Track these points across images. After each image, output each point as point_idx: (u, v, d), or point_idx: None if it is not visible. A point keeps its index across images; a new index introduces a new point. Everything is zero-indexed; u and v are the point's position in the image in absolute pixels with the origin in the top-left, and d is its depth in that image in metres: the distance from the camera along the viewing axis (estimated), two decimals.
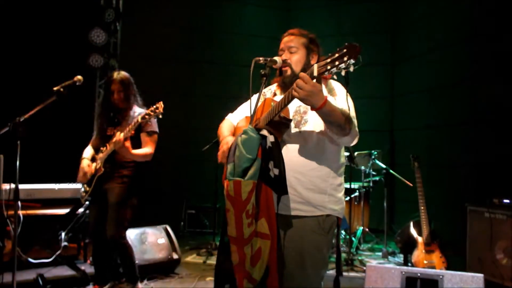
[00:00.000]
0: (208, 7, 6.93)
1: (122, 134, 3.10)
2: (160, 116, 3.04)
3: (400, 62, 6.93)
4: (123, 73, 3.46)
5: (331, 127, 1.94)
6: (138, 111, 3.42)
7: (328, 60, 1.72)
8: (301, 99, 1.80)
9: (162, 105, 3.01)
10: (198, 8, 6.86)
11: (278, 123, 2.00)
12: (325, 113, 1.85)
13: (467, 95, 5.45)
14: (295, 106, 2.06)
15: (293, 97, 1.85)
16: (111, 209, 3.28)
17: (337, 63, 1.69)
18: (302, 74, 1.79)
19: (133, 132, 3.15)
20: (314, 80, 1.78)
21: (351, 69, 1.68)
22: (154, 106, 3.04)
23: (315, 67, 1.78)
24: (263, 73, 2.06)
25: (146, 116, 3.05)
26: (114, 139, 3.13)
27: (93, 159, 3.46)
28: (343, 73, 1.71)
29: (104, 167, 3.29)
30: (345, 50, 1.67)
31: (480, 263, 3.99)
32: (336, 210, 2.11)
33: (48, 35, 5.42)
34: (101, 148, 3.37)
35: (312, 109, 1.83)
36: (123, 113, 3.42)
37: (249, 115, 2.14)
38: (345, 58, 1.67)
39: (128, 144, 3.14)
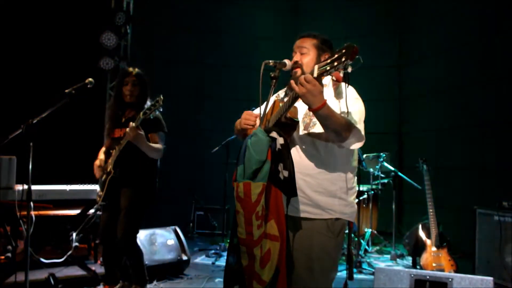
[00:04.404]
0: (218, 10, 6.98)
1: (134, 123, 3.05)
2: (161, 109, 2.98)
3: (408, 64, 6.91)
4: (140, 70, 3.43)
5: (326, 131, 1.95)
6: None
7: (328, 61, 1.74)
8: (300, 96, 1.82)
9: (162, 98, 2.95)
10: (208, 11, 6.90)
11: (285, 124, 2.02)
12: (322, 116, 1.86)
13: (476, 97, 5.43)
14: (305, 108, 2.05)
15: (296, 97, 1.88)
16: (123, 213, 3.25)
17: (335, 64, 1.71)
18: (306, 74, 1.83)
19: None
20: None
21: (349, 70, 1.69)
22: (154, 100, 2.98)
23: (316, 68, 1.80)
24: (272, 75, 2.07)
25: (148, 111, 2.99)
26: (127, 129, 3.05)
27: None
28: (341, 73, 1.72)
29: (114, 170, 3.24)
30: (343, 51, 1.69)
31: (489, 266, 3.97)
32: (346, 214, 2.09)
33: (60, 38, 5.51)
34: (111, 151, 3.34)
35: (309, 109, 1.85)
36: (133, 110, 3.34)
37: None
38: (343, 59, 1.68)
39: (142, 132, 3.07)
